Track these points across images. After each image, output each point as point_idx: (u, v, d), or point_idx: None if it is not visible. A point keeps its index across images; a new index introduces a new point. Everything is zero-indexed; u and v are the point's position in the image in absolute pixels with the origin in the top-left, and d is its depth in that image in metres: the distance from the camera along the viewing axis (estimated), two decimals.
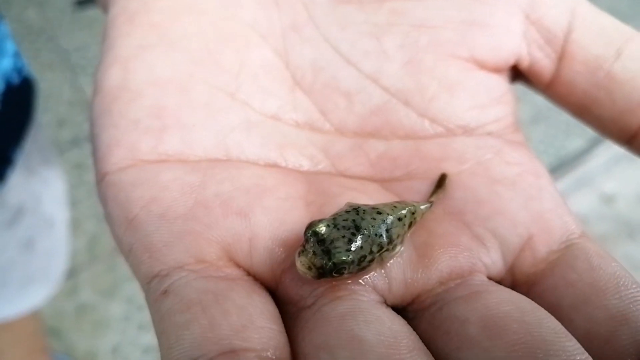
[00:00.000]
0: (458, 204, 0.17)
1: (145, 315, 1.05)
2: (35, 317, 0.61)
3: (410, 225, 0.17)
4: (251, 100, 0.19)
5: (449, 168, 0.18)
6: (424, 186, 0.18)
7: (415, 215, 0.17)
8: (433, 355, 0.14)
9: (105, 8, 0.22)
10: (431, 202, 0.18)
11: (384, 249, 0.16)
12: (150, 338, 1.01)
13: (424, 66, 0.19)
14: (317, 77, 0.19)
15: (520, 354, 0.13)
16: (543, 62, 0.19)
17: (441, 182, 0.18)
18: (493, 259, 0.16)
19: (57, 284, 0.56)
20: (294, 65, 0.19)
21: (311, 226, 0.16)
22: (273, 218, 0.16)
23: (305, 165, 0.18)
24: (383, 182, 0.18)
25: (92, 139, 0.19)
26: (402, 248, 0.17)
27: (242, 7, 0.20)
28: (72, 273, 1.04)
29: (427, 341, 0.15)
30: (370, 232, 0.16)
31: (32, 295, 0.53)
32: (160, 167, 0.17)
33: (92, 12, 1.79)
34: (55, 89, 1.37)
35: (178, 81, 0.19)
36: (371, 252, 0.16)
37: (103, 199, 0.18)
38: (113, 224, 0.17)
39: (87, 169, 1.21)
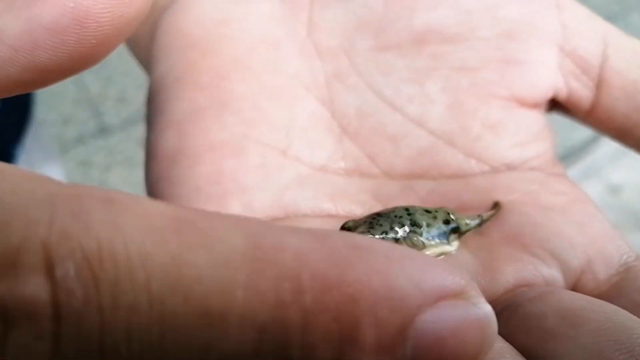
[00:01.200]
0: (515, 227, 0.17)
1: None
2: None
3: (454, 230, 0.17)
4: (302, 155, 0.20)
5: (499, 197, 0.18)
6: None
7: (452, 216, 0.17)
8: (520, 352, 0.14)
9: (142, 61, 0.22)
10: (479, 216, 0.18)
11: (409, 231, 0.17)
12: None
13: (466, 108, 0.19)
14: (363, 124, 0.20)
15: (604, 338, 0.13)
16: (581, 91, 0.20)
17: (493, 207, 0.18)
18: (554, 276, 0.17)
19: None
20: (339, 113, 0.20)
21: (343, 226, 0.17)
22: None
23: (358, 211, 0.19)
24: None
25: None
26: (451, 249, 0.17)
27: (286, 60, 0.20)
28: None
29: (509, 340, 0.15)
30: (390, 216, 0.17)
31: None
32: None
33: None
34: (60, 87, 1.38)
35: (233, 144, 0.19)
36: (392, 229, 0.17)
37: None
38: None
39: (92, 166, 1.21)
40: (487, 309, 0.09)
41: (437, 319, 0.08)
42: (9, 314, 0.07)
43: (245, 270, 0.08)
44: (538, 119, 0.20)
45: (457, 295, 0.09)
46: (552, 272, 0.17)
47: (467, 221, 0.18)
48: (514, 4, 0.20)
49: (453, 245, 0.17)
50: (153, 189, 0.20)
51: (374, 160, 0.20)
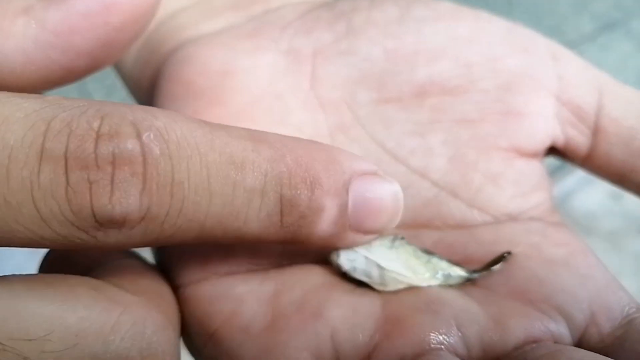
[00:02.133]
0: (521, 283, 0.18)
1: None
2: None
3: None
4: None
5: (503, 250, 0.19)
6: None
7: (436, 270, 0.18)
8: None
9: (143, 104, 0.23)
10: (473, 272, 0.18)
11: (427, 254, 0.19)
12: None
13: (467, 160, 0.20)
14: None
15: None
16: (578, 138, 0.21)
17: (499, 259, 0.19)
18: (561, 331, 0.17)
19: None
20: None
21: None
22: (345, 309, 0.17)
23: None
24: None
25: (159, 250, 0.20)
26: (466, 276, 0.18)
27: (290, 112, 0.21)
28: None
29: None
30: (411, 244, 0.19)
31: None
32: (233, 280, 0.18)
33: None
34: (64, 94, 1.38)
35: None
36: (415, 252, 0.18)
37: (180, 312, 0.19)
38: (190, 337, 0.19)
39: None
40: (397, 185, 0.17)
41: (364, 181, 0.16)
42: (116, 159, 0.13)
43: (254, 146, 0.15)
44: (537, 169, 0.20)
45: (374, 173, 0.17)
46: (559, 328, 0.17)
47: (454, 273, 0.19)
48: (512, 56, 0.20)
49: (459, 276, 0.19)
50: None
51: None
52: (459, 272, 0.18)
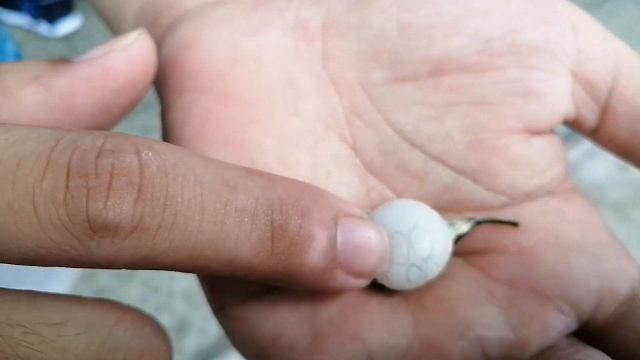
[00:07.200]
0: (539, 280, 0.18)
1: (161, 298, 1.06)
2: None
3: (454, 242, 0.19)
4: None
5: (524, 241, 0.19)
6: (505, 261, 0.19)
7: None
8: None
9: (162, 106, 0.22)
10: (473, 220, 0.19)
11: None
12: (166, 320, 1.02)
13: (486, 145, 0.19)
14: (386, 161, 0.20)
15: None
16: (587, 116, 0.20)
17: (507, 223, 0.19)
18: (571, 325, 0.18)
19: (73, 275, 0.56)
20: (362, 151, 0.20)
21: None
22: (380, 330, 0.18)
23: None
24: (463, 255, 0.19)
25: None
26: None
27: (304, 98, 0.20)
28: None
29: None
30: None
31: (51, 289, 0.54)
32: (274, 301, 0.19)
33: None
34: None
35: None
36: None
37: (226, 328, 0.20)
38: (241, 351, 0.20)
39: None
40: (383, 231, 0.17)
41: (351, 222, 0.16)
42: (115, 169, 0.13)
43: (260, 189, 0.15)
44: (551, 144, 0.20)
45: (360, 217, 0.17)
46: (569, 322, 0.18)
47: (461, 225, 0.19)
48: (532, 28, 0.19)
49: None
50: None
51: (401, 195, 0.20)
52: (464, 222, 0.19)
